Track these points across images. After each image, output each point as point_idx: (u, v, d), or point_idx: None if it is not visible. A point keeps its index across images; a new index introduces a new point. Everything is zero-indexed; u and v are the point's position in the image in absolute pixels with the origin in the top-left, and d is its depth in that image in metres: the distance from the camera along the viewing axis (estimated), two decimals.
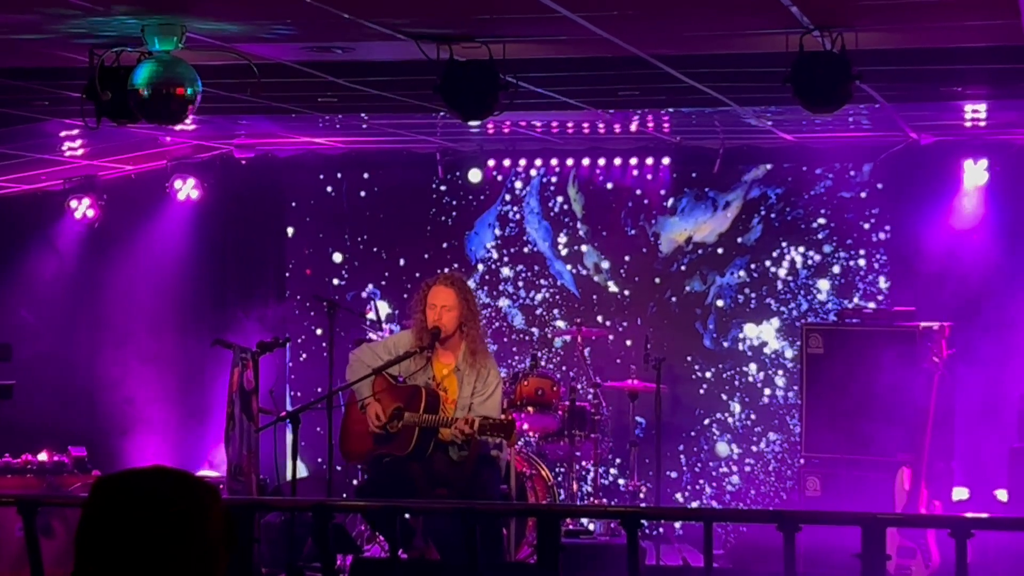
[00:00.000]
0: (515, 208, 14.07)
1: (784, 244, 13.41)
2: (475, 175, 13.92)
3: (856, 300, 13.03)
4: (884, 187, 13.05)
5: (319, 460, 13.45)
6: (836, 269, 13.22)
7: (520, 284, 14.01)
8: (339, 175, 14.39)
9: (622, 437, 13.29)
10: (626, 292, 13.84)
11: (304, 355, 14.44)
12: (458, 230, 14.15)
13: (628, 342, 13.66)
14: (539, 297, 13.98)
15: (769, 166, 13.45)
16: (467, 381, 9.78)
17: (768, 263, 13.48)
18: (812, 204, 13.31)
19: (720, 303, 13.60)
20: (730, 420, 13.49)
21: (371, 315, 12.48)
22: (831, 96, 7.78)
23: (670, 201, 13.67)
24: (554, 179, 13.90)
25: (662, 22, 7.74)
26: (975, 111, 11.22)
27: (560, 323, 13.85)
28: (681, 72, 9.09)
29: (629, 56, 8.49)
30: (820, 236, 13.29)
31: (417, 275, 13.29)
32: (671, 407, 13.11)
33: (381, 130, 12.59)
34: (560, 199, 13.93)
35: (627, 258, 13.83)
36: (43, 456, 11.92)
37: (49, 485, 11.68)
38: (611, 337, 13.65)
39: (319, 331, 14.25)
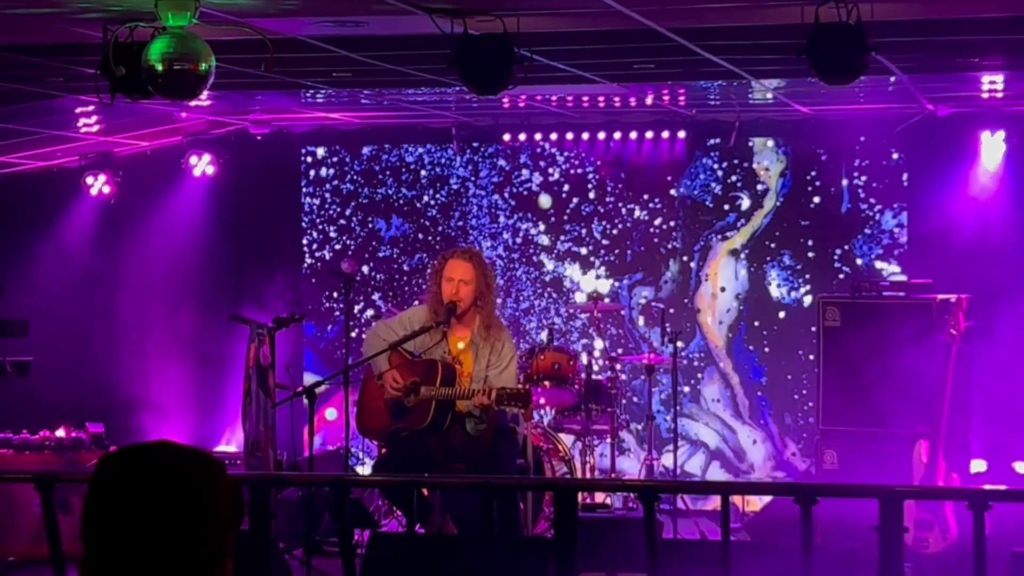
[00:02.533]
0: (529, 181, 14.05)
1: (800, 216, 13.37)
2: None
3: (873, 272, 12.99)
4: (901, 159, 13.01)
5: None
6: (852, 241, 13.19)
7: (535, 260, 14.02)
8: (354, 150, 14.37)
9: (639, 411, 13.31)
10: (642, 250, 13.85)
11: (331, 326, 14.47)
12: (473, 203, 14.13)
13: (642, 317, 13.68)
14: (549, 257, 14.02)
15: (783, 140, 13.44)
16: (482, 354, 9.77)
17: (783, 236, 13.47)
18: (828, 177, 13.26)
19: (733, 259, 13.64)
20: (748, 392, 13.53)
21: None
22: (847, 68, 7.75)
23: (686, 172, 13.65)
24: (570, 152, 13.88)
25: None
26: (992, 82, 11.17)
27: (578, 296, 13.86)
28: (696, 45, 9.06)
29: (644, 29, 8.46)
30: (838, 208, 13.25)
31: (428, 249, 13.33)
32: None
33: (397, 105, 12.58)
34: (572, 160, 13.92)
35: (646, 229, 13.84)
36: (61, 432, 11.94)
37: (67, 461, 11.70)
38: (626, 311, 13.68)
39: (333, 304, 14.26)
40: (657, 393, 13.19)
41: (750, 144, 13.56)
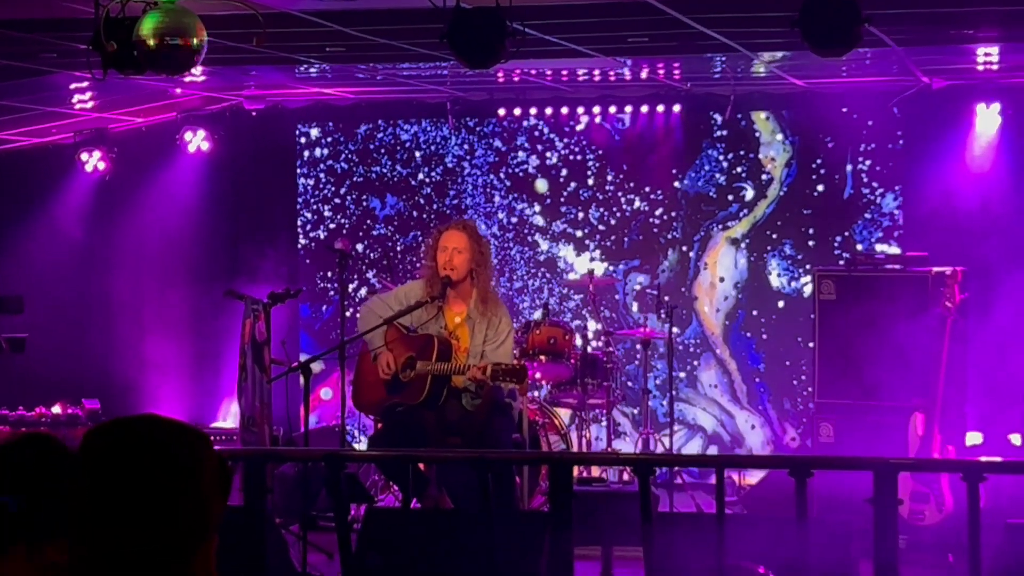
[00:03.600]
0: (526, 163, 14.04)
1: (803, 205, 13.37)
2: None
3: (868, 245, 12.99)
4: (896, 132, 12.99)
5: None
6: (852, 227, 13.18)
7: (529, 234, 14.01)
8: (349, 127, 14.35)
9: (634, 385, 13.32)
10: (640, 239, 13.81)
11: (326, 306, 14.46)
12: (468, 182, 14.12)
13: (638, 288, 13.68)
14: (544, 237, 14.00)
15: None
16: (479, 329, 9.77)
17: (785, 226, 13.45)
18: (822, 150, 13.25)
19: (733, 249, 13.61)
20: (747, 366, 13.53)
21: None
22: (840, 39, 7.74)
23: (681, 148, 13.65)
24: (569, 138, 13.87)
25: None
26: (987, 54, 11.15)
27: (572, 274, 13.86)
28: (690, 17, 9.04)
29: (637, 1, 8.44)
30: (832, 181, 13.25)
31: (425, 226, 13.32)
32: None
33: (391, 80, 12.55)
34: (572, 146, 13.89)
35: (645, 220, 13.82)
36: (57, 409, 11.96)
37: (63, 438, 11.68)
38: (622, 285, 13.69)
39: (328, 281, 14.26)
40: (652, 378, 13.17)
41: (756, 134, 13.49)
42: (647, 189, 13.82)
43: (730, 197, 13.63)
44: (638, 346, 12.81)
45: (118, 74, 7.97)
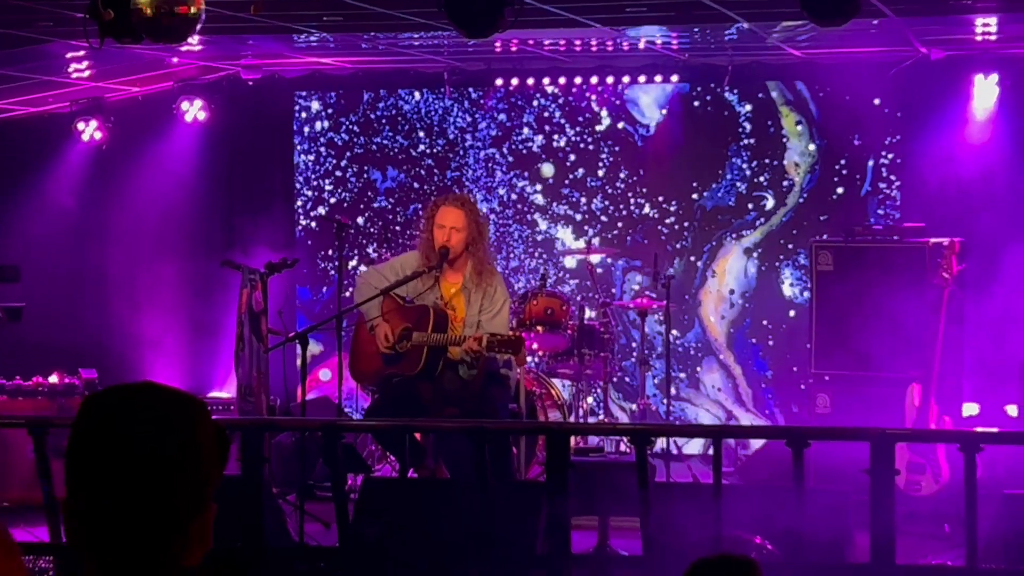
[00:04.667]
0: (531, 140, 13.98)
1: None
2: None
3: (866, 216, 12.96)
4: (894, 102, 12.96)
5: None
6: (845, 185, 13.15)
7: (528, 208, 13.96)
8: (348, 97, 14.31)
9: (632, 356, 13.32)
10: (644, 242, 13.64)
11: (326, 287, 14.40)
12: (470, 155, 14.07)
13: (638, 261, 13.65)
14: (543, 217, 13.93)
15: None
16: (474, 299, 9.78)
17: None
18: (821, 120, 13.21)
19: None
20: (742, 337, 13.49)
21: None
22: (840, 9, 7.72)
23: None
24: (563, 96, 13.82)
25: None
26: (985, 24, 11.12)
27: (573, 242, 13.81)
28: None
29: None
30: (811, 133, 13.23)
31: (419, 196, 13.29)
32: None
33: (388, 50, 12.52)
34: (585, 135, 13.84)
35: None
36: (54, 378, 11.95)
37: (60, 407, 11.70)
38: (619, 280, 13.61)
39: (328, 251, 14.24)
40: (650, 377, 13.10)
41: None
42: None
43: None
44: (634, 341, 12.79)
45: (115, 43, 7.96)
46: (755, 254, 13.50)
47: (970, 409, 11.63)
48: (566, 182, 13.90)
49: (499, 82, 13.74)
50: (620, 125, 13.75)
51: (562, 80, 13.62)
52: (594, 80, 13.54)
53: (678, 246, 13.63)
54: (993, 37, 11.65)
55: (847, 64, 12.85)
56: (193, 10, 7.48)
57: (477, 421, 8.95)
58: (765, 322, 13.45)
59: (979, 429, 10.24)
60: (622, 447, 11.88)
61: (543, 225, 13.98)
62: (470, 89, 14.04)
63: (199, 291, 14.12)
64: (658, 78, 13.43)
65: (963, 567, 7.76)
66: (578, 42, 12.26)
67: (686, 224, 13.62)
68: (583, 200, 13.86)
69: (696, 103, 13.59)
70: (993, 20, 10.89)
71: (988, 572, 7.72)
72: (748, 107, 13.43)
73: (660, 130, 13.70)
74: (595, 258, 12.91)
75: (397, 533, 8.28)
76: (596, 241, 13.28)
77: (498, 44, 12.20)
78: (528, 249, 14.02)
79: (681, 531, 7.75)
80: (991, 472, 9.10)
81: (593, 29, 11.02)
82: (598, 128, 13.80)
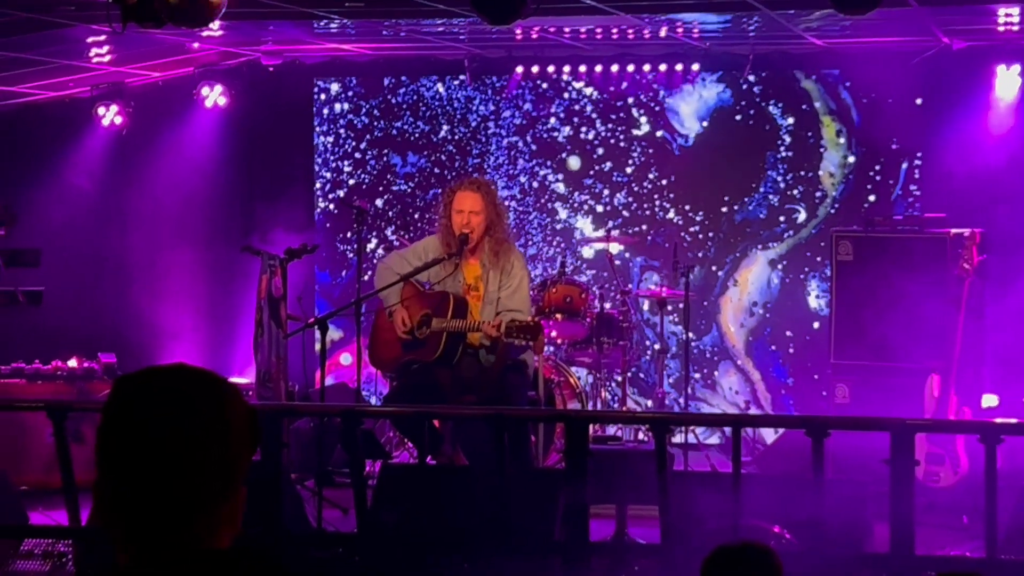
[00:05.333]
0: (557, 130, 13.93)
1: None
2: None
3: (887, 206, 12.91)
4: (915, 93, 12.91)
5: None
6: (850, 159, 13.11)
7: (547, 196, 13.93)
8: (368, 83, 14.30)
9: (646, 353, 13.29)
10: (664, 213, 13.63)
11: (345, 271, 14.39)
12: (493, 143, 14.06)
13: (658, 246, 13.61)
14: (564, 206, 13.90)
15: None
16: (493, 277, 9.76)
17: (782, 150, 13.33)
18: (862, 125, 13.12)
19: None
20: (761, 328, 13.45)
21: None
22: None
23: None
24: (582, 84, 13.78)
25: None
26: (1008, 15, 11.08)
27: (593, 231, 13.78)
28: None
29: None
30: (851, 141, 13.17)
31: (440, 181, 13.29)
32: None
33: (409, 36, 12.51)
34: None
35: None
36: (73, 362, 11.96)
37: (79, 391, 11.73)
38: (636, 276, 13.56)
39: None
40: (666, 376, 13.05)
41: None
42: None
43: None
44: (648, 339, 12.77)
45: (137, 27, 7.96)
46: (780, 266, 13.40)
47: (989, 400, 11.60)
48: (591, 173, 13.85)
49: (519, 70, 13.72)
50: (659, 134, 13.66)
51: (582, 68, 13.59)
52: (615, 68, 13.51)
53: (699, 254, 13.52)
54: (1016, 28, 11.61)
55: (870, 53, 12.81)
56: None
57: (496, 408, 8.94)
58: (788, 333, 13.36)
59: (999, 420, 10.20)
60: (640, 436, 11.88)
61: (563, 214, 13.93)
62: (494, 78, 14.01)
63: (218, 276, 14.14)
64: (679, 67, 13.39)
65: (982, 558, 7.74)
66: (599, 30, 12.24)
67: (711, 235, 13.54)
68: (606, 192, 13.80)
69: (738, 116, 13.49)
70: (1016, 11, 10.85)
71: (1007, 563, 7.70)
72: (790, 120, 13.32)
73: (698, 142, 13.62)
74: (614, 249, 12.87)
75: (415, 519, 8.28)
76: (616, 232, 13.24)
77: (519, 31, 12.18)
78: (547, 237, 13.98)
79: (699, 520, 7.75)
80: (1010, 463, 9.07)
81: (615, 17, 10.99)
82: (635, 132, 13.71)
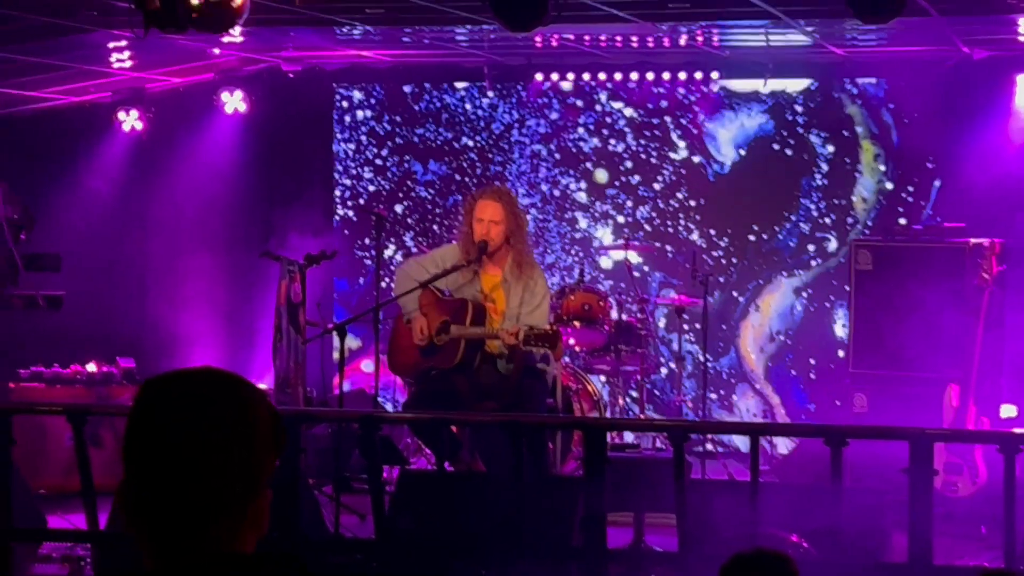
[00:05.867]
0: (584, 140, 13.86)
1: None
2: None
3: (906, 216, 12.89)
4: (935, 102, 12.89)
5: None
6: (888, 185, 13.08)
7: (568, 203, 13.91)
8: (389, 90, 14.31)
9: (660, 369, 13.27)
10: (688, 233, 13.53)
11: (363, 278, 14.39)
12: (506, 145, 14.05)
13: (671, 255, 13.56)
14: (584, 215, 13.86)
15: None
16: (514, 292, 9.77)
17: (819, 178, 13.26)
18: (883, 132, 13.08)
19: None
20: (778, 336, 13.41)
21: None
22: (884, 7, 7.69)
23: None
24: (602, 92, 13.78)
25: None
26: None
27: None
28: None
29: None
30: (888, 165, 13.08)
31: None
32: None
33: (429, 43, 12.53)
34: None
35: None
36: (92, 367, 12.00)
37: (98, 396, 11.76)
38: (650, 306, 13.48)
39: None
40: (684, 394, 13.01)
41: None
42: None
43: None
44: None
45: (159, 32, 7.98)
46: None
47: (1008, 411, 11.56)
48: (616, 184, 13.77)
49: (539, 76, 13.72)
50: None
51: (602, 75, 13.60)
52: (634, 76, 13.50)
53: (720, 279, 13.40)
54: None
55: (888, 62, 12.80)
56: (239, 1, 7.50)
57: (514, 415, 8.95)
58: (812, 360, 13.22)
59: (1018, 430, 10.18)
60: (658, 444, 11.88)
61: (583, 223, 13.87)
62: (519, 86, 13.97)
63: (237, 282, 14.16)
64: (698, 74, 13.38)
65: (1000, 569, 7.72)
66: (619, 37, 12.24)
67: (734, 260, 13.45)
68: (629, 204, 13.73)
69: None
70: None
71: None
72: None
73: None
74: (633, 259, 12.84)
75: (433, 525, 8.29)
76: (635, 241, 13.20)
77: (538, 39, 12.19)
78: (565, 246, 13.93)
79: (717, 528, 7.75)
80: None
81: (635, 24, 11.00)
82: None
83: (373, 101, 14.34)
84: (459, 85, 14.12)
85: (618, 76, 13.54)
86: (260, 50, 13.31)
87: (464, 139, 14.12)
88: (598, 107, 13.84)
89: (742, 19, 10.97)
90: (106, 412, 10.29)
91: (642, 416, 12.25)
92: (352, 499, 10.19)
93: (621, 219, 13.76)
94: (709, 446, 12.13)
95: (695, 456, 11.57)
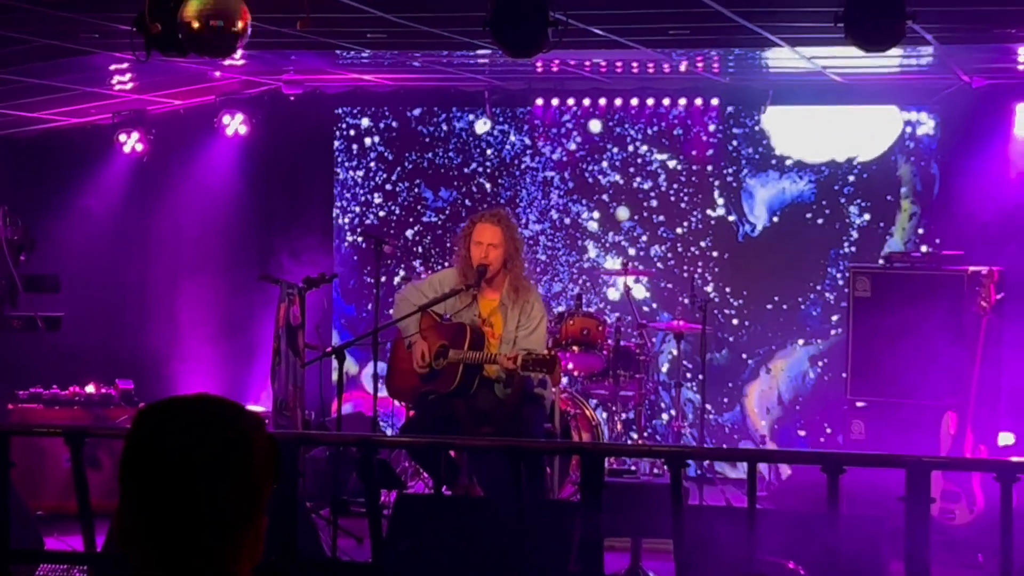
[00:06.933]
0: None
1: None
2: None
3: (874, 217, 12.85)
4: (935, 130, 12.92)
5: None
6: (885, 211, 13.07)
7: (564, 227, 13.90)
8: (387, 112, 14.32)
9: (668, 377, 13.27)
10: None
11: (370, 304, 14.38)
12: (507, 169, 14.04)
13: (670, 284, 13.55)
14: (596, 252, 13.80)
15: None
16: (511, 315, 9.79)
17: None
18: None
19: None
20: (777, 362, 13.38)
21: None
22: (884, 35, 7.71)
23: (719, 140, 13.45)
24: (603, 118, 13.76)
25: None
26: None
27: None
28: (731, 11, 9.02)
29: None
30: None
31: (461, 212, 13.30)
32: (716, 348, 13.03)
33: (430, 67, 12.55)
34: (609, 137, 13.77)
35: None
36: (90, 388, 11.99)
37: (96, 417, 11.75)
38: (659, 341, 13.45)
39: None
40: (687, 385, 12.98)
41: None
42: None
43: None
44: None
45: (160, 56, 7.99)
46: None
47: (1006, 438, 11.57)
48: (635, 218, 13.65)
49: (539, 102, 13.74)
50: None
51: (602, 100, 13.62)
52: (634, 101, 13.53)
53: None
54: None
55: (888, 90, 12.82)
56: (240, 25, 7.51)
57: (512, 439, 8.95)
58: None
59: (1015, 459, 10.18)
60: (655, 469, 11.87)
61: (592, 252, 13.74)
62: (536, 112, 13.88)
63: (237, 304, 14.16)
64: (698, 101, 13.40)
65: None
66: (619, 63, 12.27)
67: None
68: (645, 239, 13.60)
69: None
70: None
71: None
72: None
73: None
74: (640, 292, 12.81)
75: (430, 550, 8.28)
76: (633, 265, 13.19)
77: (539, 64, 12.22)
78: (573, 275, 13.81)
79: (715, 554, 7.73)
80: None
81: (635, 51, 11.02)
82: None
83: (382, 126, 14.30)
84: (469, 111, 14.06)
85: (618, 101, 13.56)
86: (261, 73, 13.33)
87: (473, 164, 14.06)
88: (630, 147, 13.65)
89: (742, 46, 11.00)
90: (104, 434, 10.28)
91: (640, 441, 12.25)
92: (350, 522, 10.18)
93: (632, 251, 13.59)
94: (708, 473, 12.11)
95: (693, 482, 11.57)
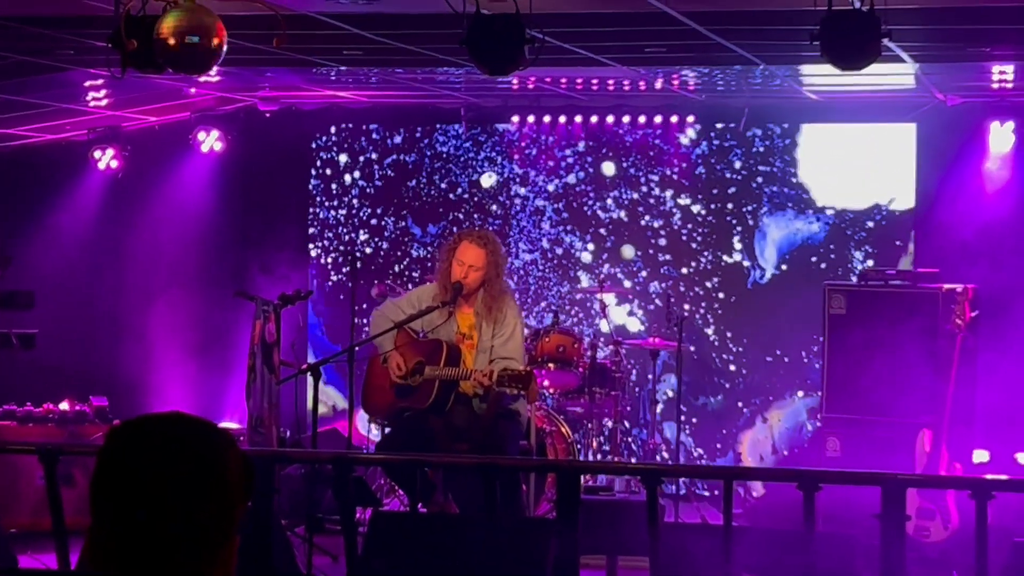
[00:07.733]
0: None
1: (810, 203, 13.19)
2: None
3: (878, 261, 12.90)
4: (909, 148, 12.95)
5: None
6: (860, 230, 13.09)
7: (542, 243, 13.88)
8: (363, 129, 14.30)
9: (643, 395, 13.27)
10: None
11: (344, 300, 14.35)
12: (481, 187, 14.01)
13: (652, 302, 13.55)
14: (560, 251, 13.79)
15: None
16: (486, 325, 9.78)
17: (796, 222, 13.20)
18: (837, 164, 13.15)
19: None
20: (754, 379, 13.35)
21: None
22: (859, 54, 7.73)
23: (694, 157, 13.44)
24: (579, 135, 13.75)
25: None
26: (1002, 72, 11.15)
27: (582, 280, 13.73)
28: (708, 29, 9.05)
29: (656, 12, 8.45)
30: (846, 195, 13.13)
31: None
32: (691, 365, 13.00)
33: (406, 84, 12.56)
34: (584, 155, 13.78)
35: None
36: (64, 405, 11.95)
37: (70, 434, 11.71)
38: (632, 297, 13.49)
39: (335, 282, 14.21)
40: (661, 392, 12.93)
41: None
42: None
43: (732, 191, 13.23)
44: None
45: (136, 72, 7.97)
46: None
47: (980, 456, 11.60)
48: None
49: (515, 119, 13.75)
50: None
51: (578, 118, 13.63)
52: (610, 119, 13.54)
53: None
54: (1010, 85, 11.68)
55: (863, 107, 12.86)
56: (216, 42, 7.50)
57: (488, 457, 8.93)
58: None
59: (989, 476, 10.20)
60: (631, 486, 11.87)
61: (585, 282, 13.59)
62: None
63: (212, 321, 14.12)
64: (674, 118, 13.42)
65: None
66: (595, 81, 12.29)
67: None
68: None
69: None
70: (1010, 68, 10.92)
71: None
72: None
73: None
74: (632, 324, 12.77)
75: (405, 567, 8.26)
76: (611, 282, 13.18)
77: (515, 81, 12.23)
78: (564, 306, 13.67)
79: (690, 572, 7.73)
80: (1001, 520, 9.05)
81: (612, 68, 11.04)
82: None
83: (361, 160, 14.24)
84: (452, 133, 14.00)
85: (594, 119, 13.57)
86: (237, 89, 13.32)
87: (460, 190, 13.99)
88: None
89: (719, 64, 11.02)
90: (78, 451, 10.24)
91: (615, 459, 12.24)
92: (325, 540, 10.16)
93: (628, 283, 13.50)
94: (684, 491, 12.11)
95: (669, 499, 11.57)
